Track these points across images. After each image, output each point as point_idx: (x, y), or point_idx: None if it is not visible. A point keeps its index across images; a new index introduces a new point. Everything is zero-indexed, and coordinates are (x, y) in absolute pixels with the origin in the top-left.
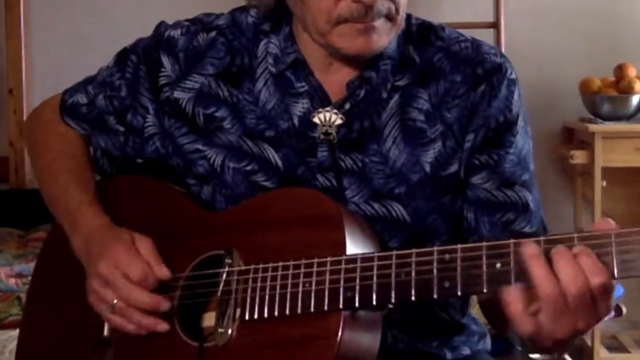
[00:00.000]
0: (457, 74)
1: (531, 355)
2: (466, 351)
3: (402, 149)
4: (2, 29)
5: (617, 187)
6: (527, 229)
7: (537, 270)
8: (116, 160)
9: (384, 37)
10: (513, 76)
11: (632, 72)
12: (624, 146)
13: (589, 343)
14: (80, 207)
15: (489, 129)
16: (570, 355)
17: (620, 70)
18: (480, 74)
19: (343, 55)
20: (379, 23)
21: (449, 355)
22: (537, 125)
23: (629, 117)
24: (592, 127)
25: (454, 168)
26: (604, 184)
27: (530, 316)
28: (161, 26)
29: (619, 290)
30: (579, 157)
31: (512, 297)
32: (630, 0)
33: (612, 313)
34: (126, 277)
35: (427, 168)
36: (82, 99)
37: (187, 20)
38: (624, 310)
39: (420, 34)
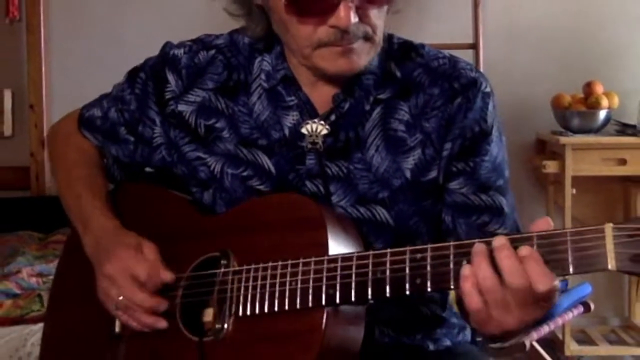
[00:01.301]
0: (435, 87)
1: (491, 345)
2: (447, 342)
3: (384, 156)
4: (24, 50)
5: (586, 195)
6: (500, 230)
7: (480, 266)
8: (125, 167)
9: (364, 57)
10: (487, 89)
11: (599, 89)
12: (592, 157)
13: (560, 337)
14: (92, 210)
15: (465, 138)
16: (543, 348)
17: (588, 87)
18: (457, 88)
19: (326, 75)
20: (358, 45)
21: (431, 346)
22: (512, 137)
23: (596, 131)
24: (563, 140)
25: (433, 174)
26: (574, 191)
27: (479, 295)
28: (167, 46)
29: (587, 289)
30: (550, 166)
31: (466, 273)
32: (598, 23)
33: (582, 309)
34: (131, 278)
35: (408, 174)
36: (97, 112)
37: (190, 40)
38: (592, 306)
39: (401, 52)
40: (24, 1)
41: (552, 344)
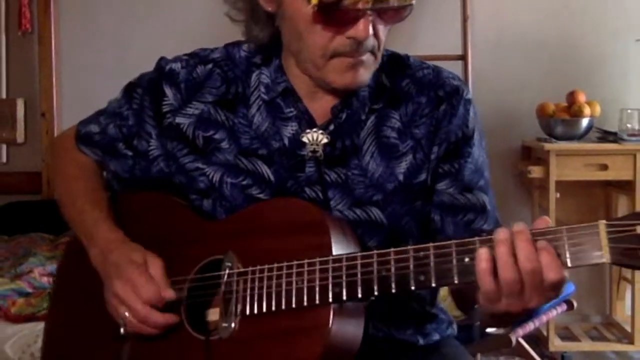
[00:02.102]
0: (422, 96)
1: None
2: (436, 337)
3: (378, 162)
4: (36, 61)
5: (569, 198)
6: (485, 227)
7: (500, 247)
8: (125, 182)
9: (367, 72)
10: (468, 97)
11: (582, 98)
12: (574, 162)
13: (545, 333)
14: (96, 223)
15: (450, 142)
16: (528, 344)
17: (572, 96)
18: (441, 96)
19: (332, 88)
20: (366, 57)
21: (421, 341)
22: (499, 144)
23: (579, 137)
24: (547, 146)
25: (423, 177)
26: (558, 195)
27: (493, 277)
28: (162, 61)
29: (570, 288)
30: (535, 172)
31: (483, 256)
32: (580, 36)
33: (565, 307)
34: (138, 297)
35: (401, 177)
36: (94, 128)
37: (185, 54)
38: (575, 304)
39: (390, 64)
40: (35, 14)
41: (537, 340)
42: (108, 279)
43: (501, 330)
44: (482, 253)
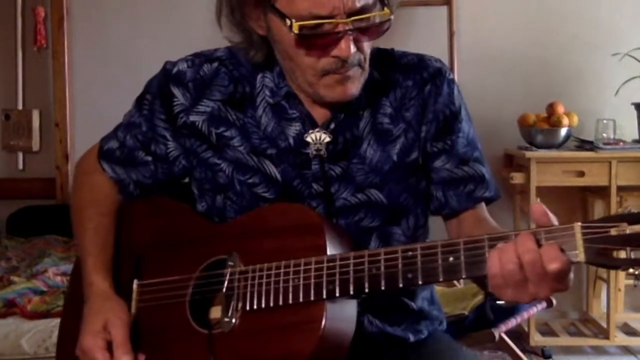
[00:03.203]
0: (408, 80)
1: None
2: (425, 333)
3: (375, 148)
4: (50, 73)
5: (549, 203)
6: (487, 194)
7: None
8: (148, 188)
9: (356, 84)
10: (451, 77)
11: (561, 109)
12: (554, 169)
13: (526, 329)
14: (91, 270)
15: (439, 121)
16: (510, 339)
17: (551, 107)
18: (425, 77)
19: (325, 102)
20: (353, 71)
21: (411, 338)
22: (483, 152)
23: (558, 146)
24: (528, 154)
25: (414, 155)
26: (538, 200)
27: (501, 267)
28: (167, 64)
29: None
30: (517, 178)
31: (494, 259)
32: (559, 51)
33: (545, 304)
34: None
35: (395, 157)
36: (114, 144)
37: (189, 55)
38: (554, 302)
39: (378, 58)
40: (50, 31)
41: (519, 335)
42: (83, 325)
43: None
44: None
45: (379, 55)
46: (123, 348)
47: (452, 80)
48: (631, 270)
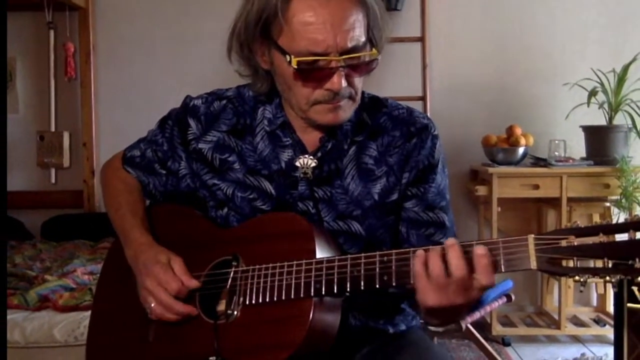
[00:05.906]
0: (396, 130)
1: (430, 328)
2: (402, 327)
3: (357, 183)
4: (79, 100)
5: (508, 212)
6: (442, 240)
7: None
8: (160, 194)
9: (347, 112)
10: (435, 133)
11: (518, 131)
12: (513, 183)
13: (488, 321)
14: (131, 228)
15: (418, 170)
16: (475, 329)
17: (510, 129)
18: (413, 131)
19: (317, 125)
20: (344, 102)
21: (391, 330)
22: (451, 168)
23: (516, 163)
24: (491, 170)
25: (394, 197)
26: (499, 209)
27: (425, 270)
28: (187, 98)
29: (509, 284)
30: (481, 190)
31: (419, 259)
32: (518, 80)
33: (505, 299)
34: (163, 290)
35: (376, 197)
36: (136, 153)
37: (205, 93)
38: (513, 297)
39: (370, 104)
40: (79, 64)
41: (482, 326)
42: (139, 275)
43: (440, 329)
44: (420, 254)
45: (373, 101)
46: (188, 276)
47: (436, 136)
48: (577, 277)
